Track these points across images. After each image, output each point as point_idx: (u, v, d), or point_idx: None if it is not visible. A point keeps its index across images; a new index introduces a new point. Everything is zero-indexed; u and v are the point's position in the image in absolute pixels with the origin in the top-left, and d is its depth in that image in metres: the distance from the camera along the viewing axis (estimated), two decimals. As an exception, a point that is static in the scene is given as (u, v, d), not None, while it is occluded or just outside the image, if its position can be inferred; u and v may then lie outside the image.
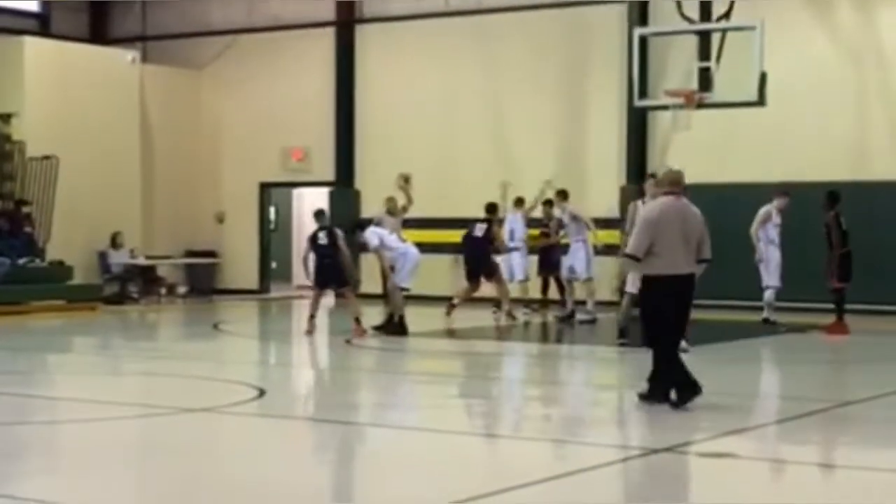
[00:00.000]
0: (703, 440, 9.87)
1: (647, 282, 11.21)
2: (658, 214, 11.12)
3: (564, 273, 20.20)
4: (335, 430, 10.56)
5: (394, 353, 16.54)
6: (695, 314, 11.72)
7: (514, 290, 20.98)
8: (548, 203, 21.37)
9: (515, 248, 21.22)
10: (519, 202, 21.69)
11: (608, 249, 19.68)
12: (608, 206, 22.79)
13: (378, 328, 17.91)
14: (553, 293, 21.72)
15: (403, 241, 18.39)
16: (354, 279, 19.96)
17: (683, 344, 13.74)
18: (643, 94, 20.86)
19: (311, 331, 17.54)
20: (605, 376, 14.80)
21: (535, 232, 21.90)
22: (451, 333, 18.78)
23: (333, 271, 17.48)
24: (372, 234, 17.95)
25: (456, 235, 21.45)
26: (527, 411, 11.89)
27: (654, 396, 11.07)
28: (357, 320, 17.54)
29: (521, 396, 12.91)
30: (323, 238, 17.52)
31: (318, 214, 18.06)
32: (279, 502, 7.77)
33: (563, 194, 20.52)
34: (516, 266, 21.34)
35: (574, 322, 19.58)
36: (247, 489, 8.01)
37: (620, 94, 23.12)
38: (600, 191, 23.48)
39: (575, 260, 19.81)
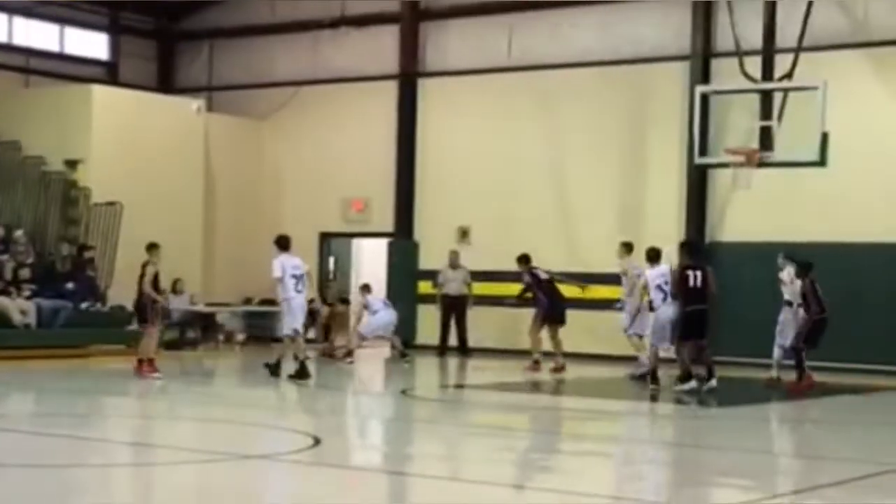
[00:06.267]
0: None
1: None
2: None
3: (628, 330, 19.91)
4: (388, 480, 10.58)
5: (450, 405, 16.52)
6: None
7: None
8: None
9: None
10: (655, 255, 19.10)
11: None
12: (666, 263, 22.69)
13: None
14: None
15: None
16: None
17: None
18: (703, 152, 20.87)
19: None
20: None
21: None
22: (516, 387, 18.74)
23: None
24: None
25: (515, 287, 21.47)
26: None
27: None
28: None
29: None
30: None
31: None
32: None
33: (628, 247, 20.20)
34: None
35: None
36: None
37: (681, 152, 23.08)
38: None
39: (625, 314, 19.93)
